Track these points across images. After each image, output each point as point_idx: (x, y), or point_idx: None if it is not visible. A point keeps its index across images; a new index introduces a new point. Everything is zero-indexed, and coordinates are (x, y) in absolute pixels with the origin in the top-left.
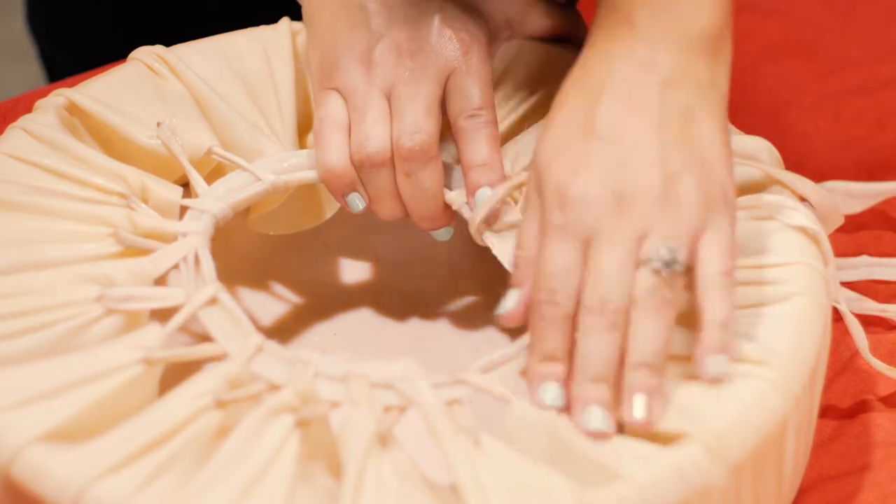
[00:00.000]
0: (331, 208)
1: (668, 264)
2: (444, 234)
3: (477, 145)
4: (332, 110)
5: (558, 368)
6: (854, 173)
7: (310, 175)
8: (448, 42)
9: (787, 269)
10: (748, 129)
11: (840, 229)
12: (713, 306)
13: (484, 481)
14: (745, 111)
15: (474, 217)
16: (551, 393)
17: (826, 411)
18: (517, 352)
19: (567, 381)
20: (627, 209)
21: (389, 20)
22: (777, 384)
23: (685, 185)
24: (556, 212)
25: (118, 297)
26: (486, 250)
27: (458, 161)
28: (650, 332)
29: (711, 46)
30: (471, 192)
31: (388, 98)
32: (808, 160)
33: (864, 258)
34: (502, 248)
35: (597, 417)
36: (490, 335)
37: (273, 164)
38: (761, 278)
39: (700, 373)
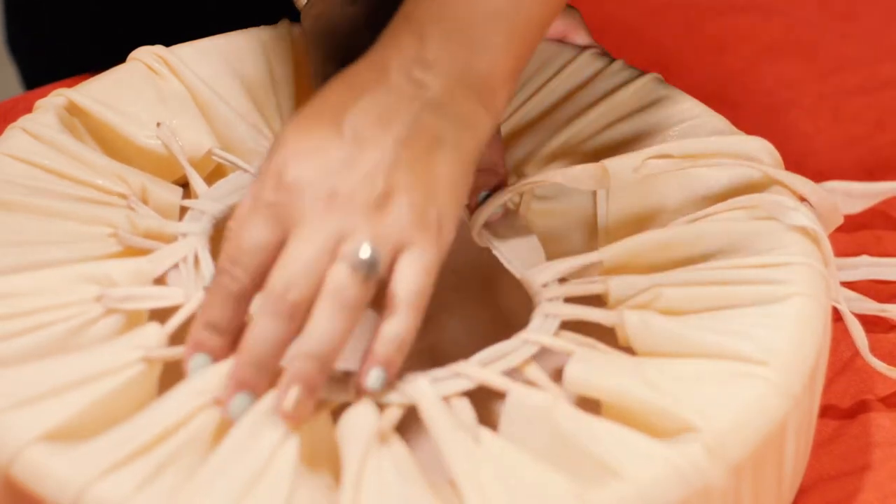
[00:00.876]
0: None
1: (366, 265)
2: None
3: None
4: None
5: (216, 341)
6: (854, 173)
7: None
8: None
9: (787, 269)
10: (748, 129)
11: (840, 229)
12: (395, 321)
13: (483, 478)
14: (745, 111)
15: (476, 219)
16: (197, 361)
17: (826, 411)
18: (516, 345)
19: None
20: (337, 208)
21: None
22: (777, 384)
23: (401, 202)
24: (269, 189)
25: (118, 297)
26: (486, 250)
27: None
28: (327, 326)
29: (488, 90)
30: (473, 193)
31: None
32: (808, 160)
33: (864, 258)
34: (503, 249)
35: (239, 406)
36: (490, 335)
37: None
38: (761, 278)
39: (360, 382)
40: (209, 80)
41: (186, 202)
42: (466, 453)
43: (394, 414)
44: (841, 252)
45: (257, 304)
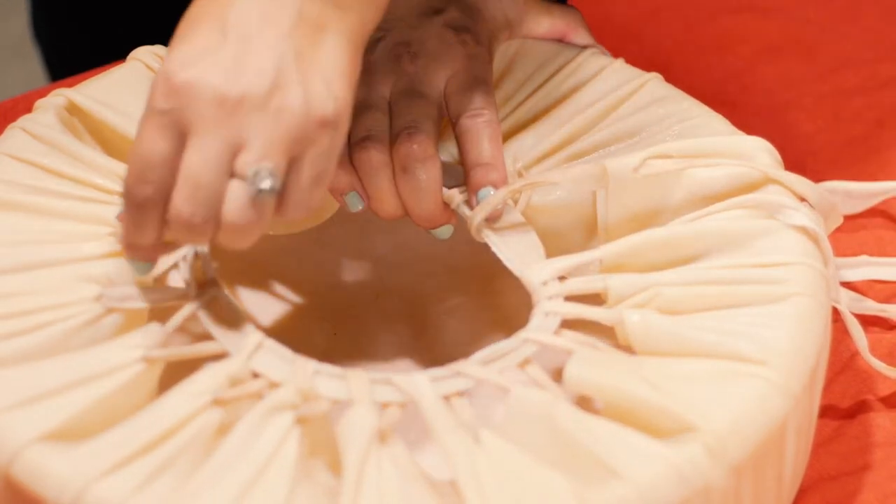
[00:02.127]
0: (330, 208)
1: (262, 187)
2: (444, 233)
3: (480, 144)
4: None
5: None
6: (854, 173)
7: None
8: (449, 44)
9: (787, 269)
10: (748, 129)
11: (840, 229)
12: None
13: (483, 478)
14: (745, 111)
15: (475, 215)
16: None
17: (826, 411)
18: (516, 344)
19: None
20: (228, 112)
21: (389, 22)
22: (777, 384)
23: (293, 95)
24: (160, 97)
25: (118, 297)
26: (485, 248)
27: (459, 160)
28: (228, 242)
29: None
30: (473, 190)
31: (388, 99)
32: (808, 160)
33: (864, 258)
34: (502, 246)
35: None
36: (490, 335)
37: None
38: (761, 278)
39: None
40: None
41: None
42: (467, 452)
43: (394, 414)
44: (841, 252)
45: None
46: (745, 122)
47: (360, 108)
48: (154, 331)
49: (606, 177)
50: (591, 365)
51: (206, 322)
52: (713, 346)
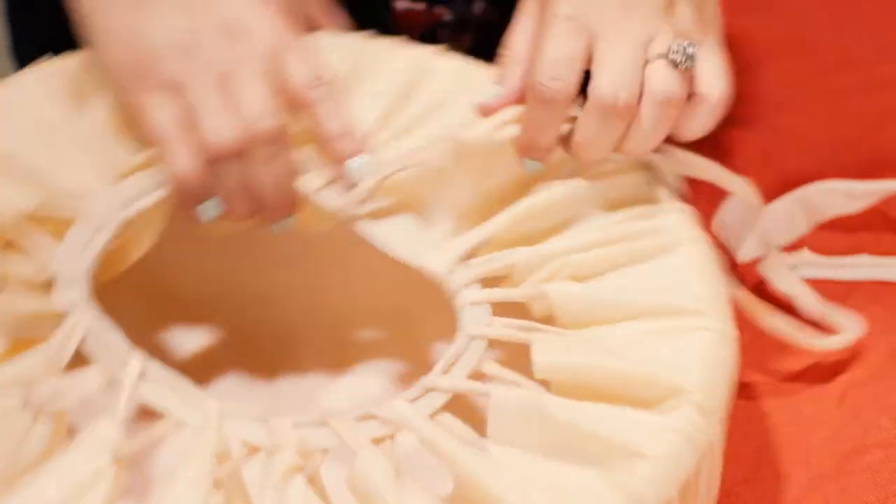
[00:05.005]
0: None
1: (686, 58)
2: (284, 227)
3: (332, 114)
4: (165, 114)
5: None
6: (854, 173)
7: (154, 197)
8: (269, 19)
9: (663, 218)
10: (748, 128)
11: (840, 229)
12: (706, 113)
13: (518, 486)
14: (745, 111)
15: (347, 202)
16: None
17: (826, 411)
18: (465, 345)
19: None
20: (633, 13)
21: (200, 3)
22: (722, 331)
23: (683, 7)
24: (565, 4)
25: (43, 397)
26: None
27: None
28: (655, 127)
29: None
30: (339, 161)
31: (223, 83)
32: (808, 160)
33: (864, 258)
34: (384, 236)
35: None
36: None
37: (109, 202)
38: (647, 229)
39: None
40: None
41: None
42: (486, 465)
43: (390, 447)
44: (841, 252)
45: None
46: (746, 121)
47: (199, 102)
48: (108, 426)
49: (463, 151)
50: (557, 349)
51: (152, 400)
52: (648, 306)
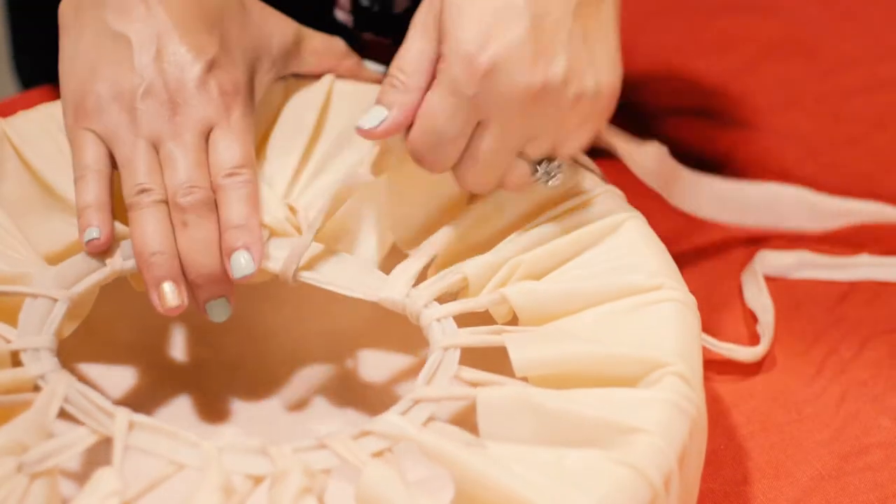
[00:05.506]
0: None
1: (552, 185)
2: (220, 312)
3: (234, 205)
4: (93, 157)
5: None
6: (854, 173)
7: (101, 274)
8: (210, 95)
9: (598, 200)
10: (748, 128)
11: (840, 229)
12: None
13: (525, 476)
14: (745, 111)
15: (286, 268)
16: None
17: (825, 412)
18: (441, 355)
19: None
20: (530, 103)
21: (155, 60)
22: (681, 298)
23: (588, 81)
24: (465, 81)
25: (36, 460)
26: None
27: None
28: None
29: None
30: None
31: (155, 147)
32: (807, 160)
33: (864, 258)
34: (328, 279)
35: None
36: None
37: (57, 277)
38: (589, 216)
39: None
40: None
41: (14, 346)
42: (492, 462)
43: (391, 459)
44: (841, 252)
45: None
46: (746, 121)
47: (130, 159)
48: (109, 477)
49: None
50: (531, 344)
51: (149, 448)
52: (608, 289)
